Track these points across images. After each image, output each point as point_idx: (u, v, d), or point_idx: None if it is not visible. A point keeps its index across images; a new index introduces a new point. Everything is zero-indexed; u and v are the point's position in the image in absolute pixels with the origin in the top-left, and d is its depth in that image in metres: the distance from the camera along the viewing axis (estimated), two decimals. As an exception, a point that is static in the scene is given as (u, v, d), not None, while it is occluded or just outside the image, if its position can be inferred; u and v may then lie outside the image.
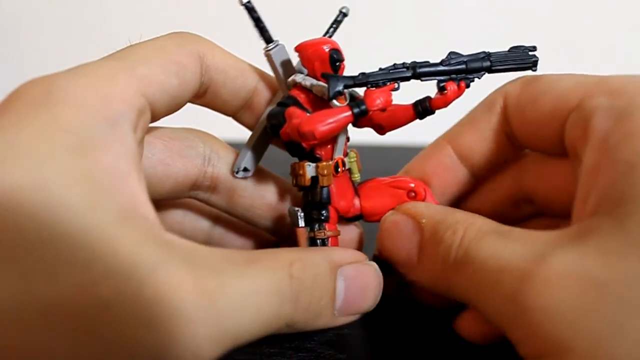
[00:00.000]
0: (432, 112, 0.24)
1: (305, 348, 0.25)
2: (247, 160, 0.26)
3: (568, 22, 0.60)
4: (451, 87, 0.23)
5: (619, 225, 0.17)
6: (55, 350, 0.15)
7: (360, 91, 0.24)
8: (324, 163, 0.24)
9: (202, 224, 0.29)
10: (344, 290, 0.22)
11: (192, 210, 0.28)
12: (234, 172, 0.26)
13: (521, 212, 0.26)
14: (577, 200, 0.19)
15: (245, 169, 0.26)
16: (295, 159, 0.25)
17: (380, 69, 0.23)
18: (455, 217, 0.22)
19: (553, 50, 0.59)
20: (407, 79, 0.23)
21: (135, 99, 0.19)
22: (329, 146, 0.24)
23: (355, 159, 0.25)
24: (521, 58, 0.23)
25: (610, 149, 0.18)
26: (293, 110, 0.23)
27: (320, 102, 0.24)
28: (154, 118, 0.22)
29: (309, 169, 0.24)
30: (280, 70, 0.25)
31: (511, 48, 0.23)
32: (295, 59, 0.25)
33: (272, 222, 0.28)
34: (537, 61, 0.23)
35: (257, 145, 0.26)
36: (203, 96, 0.24)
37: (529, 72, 0.24)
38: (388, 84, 0.22)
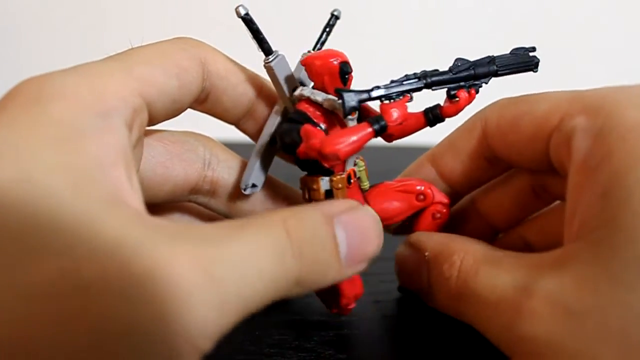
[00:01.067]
0: (443, 120, 0.24)
1: (305, 348, 0.25)
2: (254, 176, 0.25)
3: (567, 24, 0.60)
4: (463, 94, 0.23)
5: (592, 252, 0.17)
6: (40, 338, 0.14)
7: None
8: (338, 177, 0.23)
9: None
10: (345, 239, 0.21)
11: (193, 213, 0.28)
12: (241, 188, 0.25)
13: (544, 200, 0.26)
14: (565, 222, 0.20)
15: (254, 185, 0.25)
16: (304, 172, 0.24)
17: (392, 81, 0.23)
18: (453, 248, 0.23)
19: (553, 50, 0.59)
20: (419, 89, 0.23)
21: (131, 97, 0.19)
22: None
23: (363, 167, 0.25)
24: (523, 60, 0.23)
25: (590, 171, 0.18)
26: (309, 128, 0.22)
27: (330, 115, 0.23)
28: (154, 120, 0.22)
29: (323, 183, 0.23)
30: (282, 82, 0.24)
31: (513, 50, 0.23)
32: (294, 67, 0.25)
33: None
34: (538, 62, 0.23)
35: (263, 160, 0.25)
36: (204, 102, 0.24)
37: (530, 74, 0.24)
38: (402, 96, 0.22)
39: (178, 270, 0.15)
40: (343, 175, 0.23)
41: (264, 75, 0.25)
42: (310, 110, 0.23)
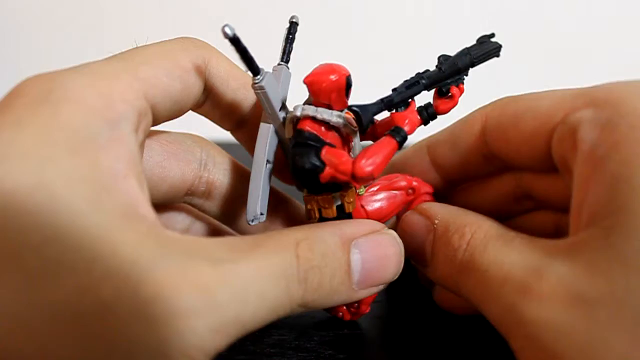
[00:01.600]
0: (436, 118, 0.24)
1: (305, 348, 0.25)
2: (261, 205, 0.24)
3: (567, 25, 0.60)
4: (455, 90, 0.23)
5: (605, 239, 0.17)
6: (60, 354, 0.15)
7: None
8: (350, 190, 0.23)
9: (208, 233, 0.28)
10: (360, 263, 0.21)
11: (198, 218, 0.28)
12: (248, 220, 0.23)
13: (523, 207, 0.26)
14: (572, 212, 0.19)
15: (261, 214, 0.24)
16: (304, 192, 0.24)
17: (394, 90, 0.23)
18: (465, 220, 0.22)
19: (553, 51, 0.59)
20: (419, 92, 0.23)
21: (137, 101, 0.19)
22: None
23: None
24: (490, 47, 0.24)
25: (598, 161, 0.18)
26: (332, 151, 0.21)
27: (333, 132, 0.22)
28: (156, 122, 0.22)
29: (335, 200, 0.23)
30: (272, 101, 0.23)
31: (479, 39, 0.24)
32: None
33: (266, 230, 0.27)
34: (500, 47, 0.24)
35: (265, 185, 0.24)
36: (203, 104, 0.24)
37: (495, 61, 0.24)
38: (408, 103, 0.23)
39: (180, 292, 0.16)
40: (353, 189, 0.23)
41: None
42: (317, 130, 0.22)
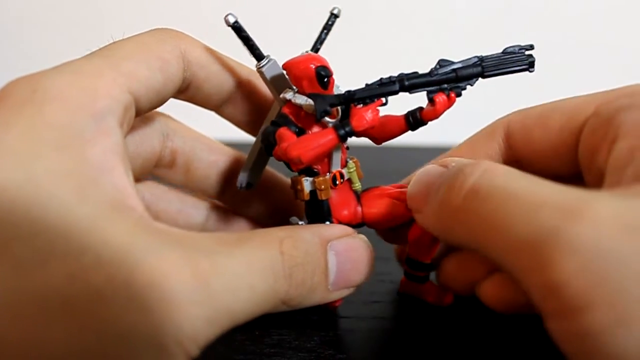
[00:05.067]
0: (424, 123, 0.23)
1: (305, 348, 0.25)
2: (250, 175, 0.27)
3: (567, 22, 0.60)
4: (440, 98, 0.22)
5: None
6: (50, 340, 0.15)
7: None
8: (321, 178, 0.24)
9: (196, 219, 0.29)
10: (335, 264, 0.22)
11: (186, 206, 0.29)
12: (238, 186, 0.27)
13: None
14: (609, 176, 0.19)
15: (249, 184, 0.27)
16: (295, 173, 0.25)
17: (367, 85, 0.22)
18: (476, 158, 0.21)
19: (552, 51, 0.59)
20: (395, 93, 0.22)
21: (121, 95, 0.20)
22: (325, 160, 0.24)
23: (354, 168, 0.25)
24: (517, 59, 0.22)
25: None
26: (283, 132, 0.23)
27: (312, 118, 0.23)
28: (138, 113, 0.22)
29: (307, 184, 0.24)
30: (273, 86, 0.25)
31: (505, 49, 0.22)
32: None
33: (225, 190, 0.29)
34: (533, 62, 0.22)
35: (258, 159, 0.27)
36: (185, 91, 0.25)
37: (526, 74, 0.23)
38: (375, 100, 0.22)
39: (177, 279, 0.16)
40: (327, 177, 0.24)
41: (246, 63, 0.26)
42: (293, 114, 0.24)
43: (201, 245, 0.18)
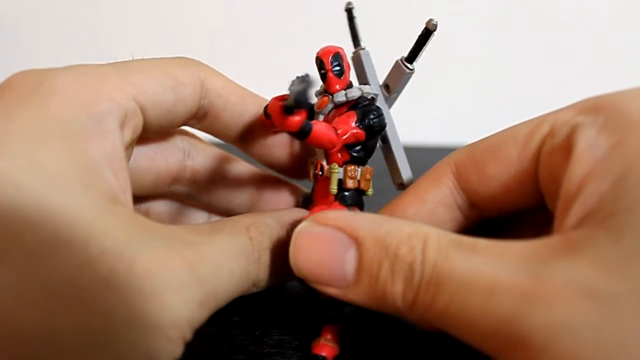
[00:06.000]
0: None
1: (306, 348, 0.25)
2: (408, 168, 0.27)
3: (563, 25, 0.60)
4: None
5: (614, 238, 0.16)
6: (63, 327, 0.16)
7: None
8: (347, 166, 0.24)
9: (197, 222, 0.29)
10: (295, 245, 0.22)
11: (185, 210, 0.29)
12: (405, 184, 0.26)
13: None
14: (559, 213, 0.18)
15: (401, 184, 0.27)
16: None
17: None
18: (404, 231, 0.18)
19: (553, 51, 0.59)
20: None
21: (125, 100, 0.20)
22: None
23: (336, 171, 0.24)
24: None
25: (597, 161, 0.17)
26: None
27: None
28: (148, 129, 0.22)
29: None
30: (367, 68, 0.26)
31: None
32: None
33: (252, 210, 0.28)
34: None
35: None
36: (203, 119, 0.25)
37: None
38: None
39: (174, 269, 0.17)
40: (349, 166, 0.24)
41: (264, 94, 0.26)
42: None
43: (182, 237, 0.19)
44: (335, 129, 0.23)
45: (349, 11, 0.26)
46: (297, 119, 0.20)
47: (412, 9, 0.56)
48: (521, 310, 0.16)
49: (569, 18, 0.59)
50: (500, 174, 0.21)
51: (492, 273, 0.16)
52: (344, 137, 0.23)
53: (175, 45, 0.52)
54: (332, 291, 0.20)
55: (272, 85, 0.26)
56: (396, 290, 0.18)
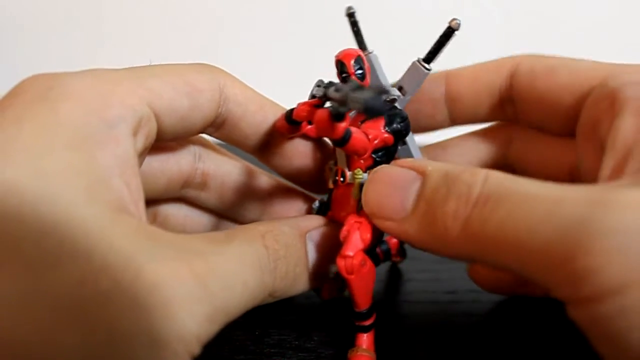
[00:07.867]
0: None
1: (306, 348, 0.25)
2: None
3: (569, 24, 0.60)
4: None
5: None
6: (63, 341, 0.15)
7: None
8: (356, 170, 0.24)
9: (203, 226, 0.29)
10: (314, 254, 0.23)
11: (193, 213, 0.28)
12: None
13: None
14: (613, 152, 0.19)
15: None
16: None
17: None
18: (470, 166, 0.19)
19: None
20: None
21: (138, 105, 0.20)
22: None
23: (360, 178, 0.24)
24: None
25: None
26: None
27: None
28: (164, 135, 0.22)
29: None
30: (377, 71, 0.26)
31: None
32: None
33: (263, 217, 0.28)
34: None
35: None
36: (221, 128, 0.24)
37: None
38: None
39: (180, 282, 0.17)
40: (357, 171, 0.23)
41: (283, 103, 0.25)
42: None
43: (192, 246, 0.18)
44: (367, 134, 0.23)
45: (351, 15, 0.26)
46: (344, 125, 0.20)
47: (412, 9, 0.56)
48: (592, 214, 0.15)
49: (572, 20, 0.59)
50: (545, 92, 0.23)
51: (560, 189, 0.17)
52: (375, 142, 0.23)
53: (189, 49, 0.51)
54: (389, 225, 0.20)
55: (279, 92, 0.26)
56: (448, 209, 0.18)
